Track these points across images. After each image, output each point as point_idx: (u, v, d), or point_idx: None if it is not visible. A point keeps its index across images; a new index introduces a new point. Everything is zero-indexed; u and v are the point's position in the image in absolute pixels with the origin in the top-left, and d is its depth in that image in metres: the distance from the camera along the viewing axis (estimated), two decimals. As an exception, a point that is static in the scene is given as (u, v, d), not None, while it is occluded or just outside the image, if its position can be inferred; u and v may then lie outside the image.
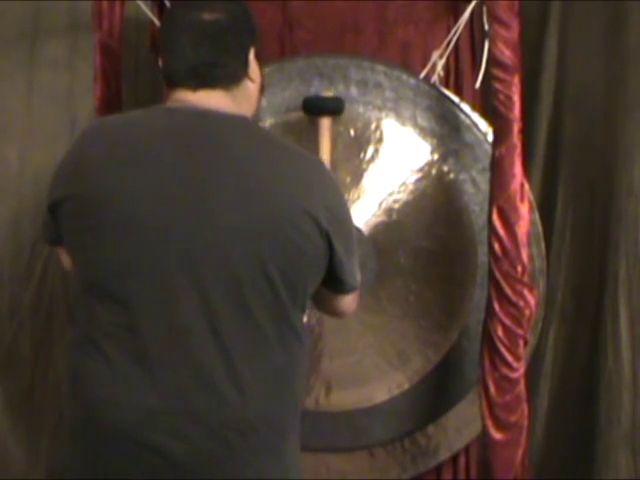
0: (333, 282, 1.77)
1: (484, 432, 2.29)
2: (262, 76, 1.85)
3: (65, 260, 1.85)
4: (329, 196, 1.72)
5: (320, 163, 1.84)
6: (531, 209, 2.34)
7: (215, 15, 1.74)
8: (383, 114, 2.41)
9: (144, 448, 1.62)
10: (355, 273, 1.81)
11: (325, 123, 2.35)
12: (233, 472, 1.64)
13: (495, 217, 2.23)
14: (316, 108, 2.36)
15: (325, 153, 2.32)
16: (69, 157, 1.74)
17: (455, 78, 2.58)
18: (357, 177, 2.41)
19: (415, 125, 2.42)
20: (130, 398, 1.63)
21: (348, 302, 1.87)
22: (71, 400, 1.71)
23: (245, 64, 1.77)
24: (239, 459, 1.64)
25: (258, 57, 1.81)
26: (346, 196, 2.34)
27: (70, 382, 1.72)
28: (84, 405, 1.67)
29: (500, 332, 2.24)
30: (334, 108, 2.36)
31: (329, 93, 2.39)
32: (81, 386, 1.68)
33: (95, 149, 1.70)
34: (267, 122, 2.38)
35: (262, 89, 1.87)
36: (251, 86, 1.80)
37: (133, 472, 1.63)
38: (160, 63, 1.79)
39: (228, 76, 1.75)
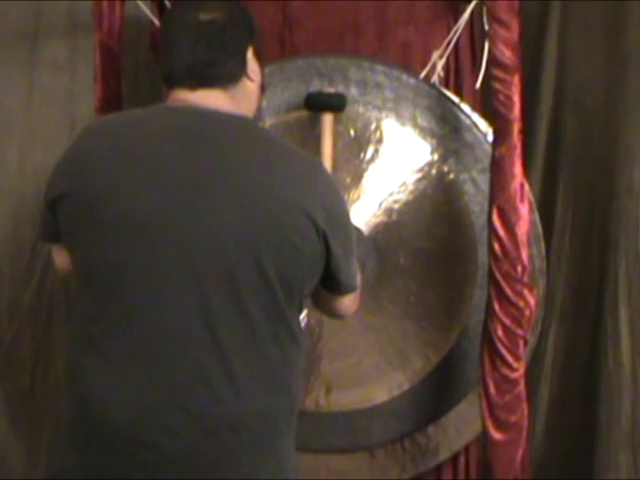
0: (330, 283, 1.78)
1: (484, 432, 2.29)
2: (262, 75, 1.85)
3: (58, 258, 1.86)
4: (327, 196, 1.72)
5: (319, 163, 1.84)
6: (531, 209, 2.34)
7: (211, 15, 1.74)
8: (383, 114, 2.41)
9: (139, 445, 1.62)
10: (353, 274, 1.81)
11: (327, 119, 2.34)
12: (228, 470, 1.64)
13: (495, 217, 2.23)
14: (318, 104, 2.36)
15: (327, 150, 2.32)
16: (69, 154, 1.74)
17: (455, 78, 2.58)
18: (357, 177, 2.41)
19: (415, 125, 2.42)
20: (125, 395, 1.63)
21: (346, 303, 1.87)
22: (67, 398, 1.71)
23: (243, 63, 1.77)
24: (233, 457, 1.64)
25: (257, 56, 1.81)
26: (346, 196, 2.34)
27: (66, 380, 1.72)
28: (79, 403, 1.67)
29: (500, 332, 2.24)
30: (336, 104, 2.36)
31: (331, 89, 2.39)
32: (76, 384, 1.68)
33: (96, 147, 1.71)
34: (267, 122, 2.38)
35: (262, 88, 1.87)
36: (250, 85, 1.80)
37: (128, 470, 1.63)
38: (160, 65, 1.79)
39: (226, 75, 1.75)
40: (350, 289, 1.82)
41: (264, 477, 1.67)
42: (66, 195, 1.69)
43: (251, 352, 1.66)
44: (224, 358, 1.63)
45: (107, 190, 1.65)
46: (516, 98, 2.22)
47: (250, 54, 1.79)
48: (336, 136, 2.36)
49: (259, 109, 1.90)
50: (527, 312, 2.25)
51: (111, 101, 2.32)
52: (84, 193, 1.67)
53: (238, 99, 1.77)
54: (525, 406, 2.28)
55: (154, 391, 1.63)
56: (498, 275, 2.24)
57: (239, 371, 1.64)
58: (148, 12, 2.46)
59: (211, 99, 1.74)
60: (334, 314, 1.91)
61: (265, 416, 1.67)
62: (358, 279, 1.86)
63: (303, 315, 1.86)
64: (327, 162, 2.29)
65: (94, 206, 1.66)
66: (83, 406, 1.66)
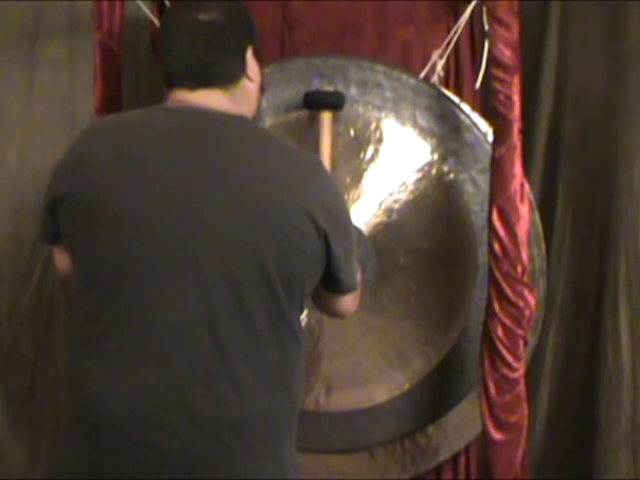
0: (331, 282, 1.78)
1: (484, 432, 2.29)
2: (262, 75, 1.85)
3: (59, 259, 1.85)
4: (327, 196, 1.72)
5: (319, 163, 1.84)
6: (531, 209, 2.34)
7: (211, 15, 1.74)
8: (383, 114, 2.41)
9: (140, 446, 1.62)
10: (354, 274, 1.81)
11: (326, 118, 2.34)
12: (229, 471, 1.64)
13: (495, 217, 2.23)
14: (317, 102, 2.36)
15: (326, 148, 2.32)
16: (69, 156, 1.74)
17: (455, 78, 2.58)
18: (357, 177, 2.41)
19: (415, 125, 2.42)
20: (126, 396, 1.63)
21: (347, 303, 1.87)
22: (68, 399, 1.71)
23: (242, 63, 1.77)
24: (234, 458, 1.64)
25: (257, 56, 1.81)
26: (346, 196, 2.34)
27: (67, 382, 1.72)
28: (80, 403, 1.67)
29: (500, 332, 2.24)
30: (335, 102, 2.36)
31: (330, 88, 2.39)
32: (77, 385, 1.68)
33: (95, 148, 1.71)
34: (267, 122, 2.38)
35: (262, 88, 1.87)
36: (250, 85, 1.80)
37: (129, 470, 1.63)
38: (160, 65, 1.79)
39: (225, 75, 1.75)
40: (351, 289, 1.82)
41: (265, 477, 1.67)
42: (66, 196, 1.69)
43: (252, 353, 1.65)
44: (225, 359, 1.63)
45: (107, 191, 1.65)
46: (516, 98, 2.22)
47: (250, 54, 1.79)
48: (335, 134, 2.36)
49: (259, 109, 1.90)
50: (527, 312, 2.25)
51: (111, 101, 2.32)
52: (84, 194, 1.67)
53: (238, 99, 1.77)
54: (525, 406, 2.28)
55: (155, 392, 1.62)
56: (498, 275, 2.24)
57: (240, 372, 1.64)
58: (148, 12, 2.46)
59: (211, 99, 1.74)
60: (334, 313, 1.91)
61: (266, 417, 1.67)
62: (358, 278, 1.86)
63: (303, 315, 1.86)
64: (326, 160, 2.29)
65: (94, 207, 1.66)
66: (84, 407, 1.66)
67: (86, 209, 1.67)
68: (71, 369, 1.71)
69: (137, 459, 1.62)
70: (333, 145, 2.34)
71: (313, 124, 2.38)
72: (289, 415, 1.72)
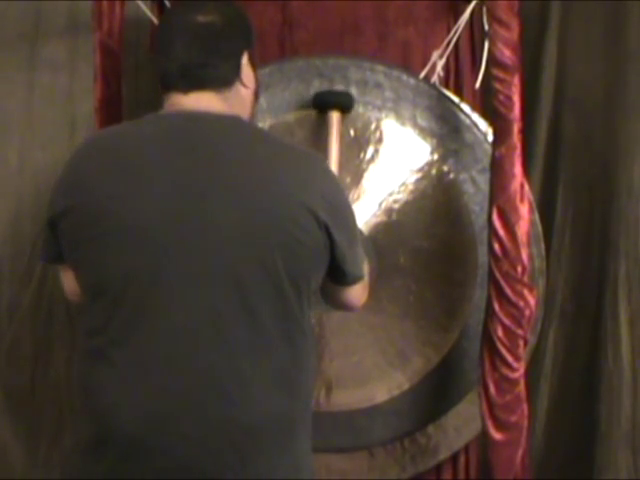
0: (337, 274, 1.77)
1: (484, 432, 2.29)
2: (257, 81, 1.85)
3: (66, 281, 1.85)
4: (326, 188, 1.72)
5: (316, 156, 1.83)
6: (531, 209, 2.34)
7: (209, 17, 1.75)
8: (383, 114, 2.41)
9: (155, 453, 1.62)
10: (359, 263, 1.81)
11: (335, 117, 2.34)
12: (243, 472, 1.64)
13: (495, 217, 2.24)
14: (328, 102, 2.36)
15: (334, 149, 2.31)
16: (67, 172, 1.74)
17: (455, 78, 2.58)
18: (357, 177, 2.41)
19: (415, 125, 2.42)
20: (137, 403, 1.63)
21: (355, 294, 1.86)
22: (81, 410, 1.70)
23: (237, 67, 1.77)
24: (248, 459, 1.64)
25: (252, 62, 1.81)
26: (346, 196, 2.34)
27: (79, 393, 1.71)
28: (93, 414, 1.66)
29: (500, 332, 2.24)
30: (345, 103, 2.36)
31: (340, 87, 2.39)
32: (89, 395, 1.68)
33: (92, 161, 1.71)
34: (267, 122, 2.38)
35: (256, 95, 1.87)
36: (244, 91, 1.80)
37: (144, 478, 1.62)
38: (156, 66, 1.79)
39: (219, 78, 1.75)
40: (357, 279, 1.82)
41: (280, 477, 1.67)
42: (66, 210, 1.69)
43: (261, 353, 1.65)
44: (234, 361, 1.63)
45: (107, 201, 1.66)
46: (516, 98, 2.22)
47: (245, 60, 1.79)
48: (343, 135, 2.35)
49: (252, 116, 1.88)
50: (527, 312, 2.25)
51: (111, 101, 2.32)
52: (84, 206, 1.68)
53: (231, 103, 1.77)
54: (525, 406, 2.28)
55: (166, 397, 1.62)
56: (498, 275, 2.24)
57: (250, 373, 1.64)
58: (148, 12, 2.46)
59: (203, 102, 1.74)
60: (344, 306, 1.90)
61: (278, 417, 1.67)
62: (365, 268, 1.85)
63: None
64: (334, 161, 2.28)
65: (95, 218, 1.66)
66: (97, 417, 1.66)
67: (87, 221, 1.67)
68: (81, 381, 1.70)
69: (152, 466, 1.62)
70: (341, 145, 2.33)
71: (314, 125, 2.38)
72: (302, 413, 1.72)
